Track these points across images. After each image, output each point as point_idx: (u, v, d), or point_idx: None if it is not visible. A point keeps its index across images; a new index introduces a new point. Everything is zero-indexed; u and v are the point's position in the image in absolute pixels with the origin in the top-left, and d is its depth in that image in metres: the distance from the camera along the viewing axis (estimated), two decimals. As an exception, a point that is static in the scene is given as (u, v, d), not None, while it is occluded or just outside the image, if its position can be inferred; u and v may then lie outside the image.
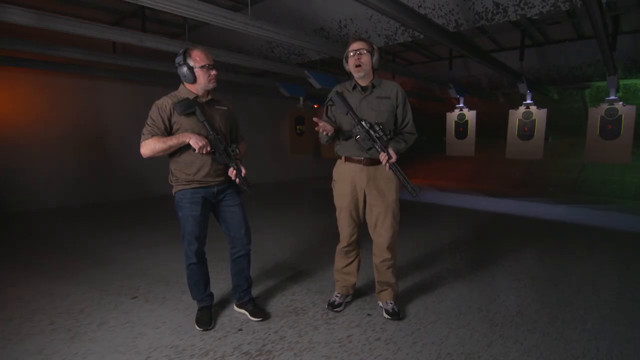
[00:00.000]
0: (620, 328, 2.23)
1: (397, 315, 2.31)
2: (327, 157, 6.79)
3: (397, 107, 2.25)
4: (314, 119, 2.21)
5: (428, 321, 2.30)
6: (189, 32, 4.69)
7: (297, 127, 7.89)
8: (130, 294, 2.67)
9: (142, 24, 4.62)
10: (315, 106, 8.02)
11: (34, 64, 4.86)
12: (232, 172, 2.07)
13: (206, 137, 2.02)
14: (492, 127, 9.05)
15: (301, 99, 7.10)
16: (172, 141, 1.98)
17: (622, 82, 6.35)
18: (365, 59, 2.16)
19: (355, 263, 2.48)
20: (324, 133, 2.19)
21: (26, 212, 5.42)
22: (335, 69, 7.80)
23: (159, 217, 5.18)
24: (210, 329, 2.19)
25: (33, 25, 2.92)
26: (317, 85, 5.43)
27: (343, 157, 2.33)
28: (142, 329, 2.19)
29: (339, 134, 2.29)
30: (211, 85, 2.08)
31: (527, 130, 6.01)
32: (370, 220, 2.33)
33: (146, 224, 4.81)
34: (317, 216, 5.26)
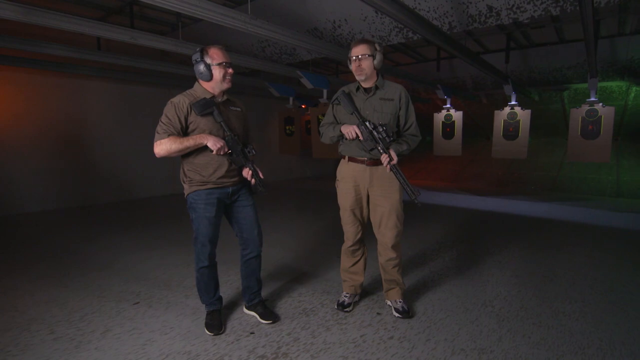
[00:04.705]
0: (619, 319, 2.33)
1: (407, 313, 2.33)
2: (318, 157, 6.78)
3: (400, 109, 2.27)
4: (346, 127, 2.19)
5: (437, 318, 2.34)
6: (178, 29, 4.59)
7: (287, 127, 7.84)
8: (131, 300, 2.58)
9: (131, 22, 4.50)
10: (303, 106, 8.00)
11: (15, 61, 4.62)
12: (247, 173, 2.05)
13: (223, 138, 1.99)
14: (475, 127, 9.32)
15: (291, 99, 7.06)
16: (189, 142, 1.93)
17: (599, 84, 6.65)
18: (366, 63, 2.17)
19: (361, 262, 2.49)
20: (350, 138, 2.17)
21: (12, 216, 5.17)
22: (324, 70, 7.82)
23: (152, 219, 5.06)
24: (221, 333, 2.14)
25: (22, 20, 2.78)
26: (309, 85, 5.41)
27: (346, 157, 2.33)
28: (150, 336, 2.13)
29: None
30: (226, 85, 2.03)
31: (512, 131, 6.20)
32: (374, 219, 2.34)
33: (139, 226, 4.67)
34: (314, 216, 5.25)
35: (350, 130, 2.15)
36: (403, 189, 2.24)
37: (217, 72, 1.99)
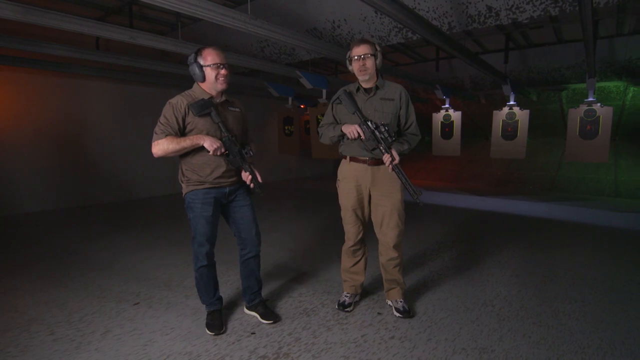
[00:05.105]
0: (619, 319, 2.34)
1: (407, 313, 2.34)
2: (317, 157, 6.78)
3: (400, 108, 2.27)
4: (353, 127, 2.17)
5: (438, 318, 2.34)
6: (178, 29, 4.59)
7: (286, 127, 7.84)
8: (131, 300, 2.58)
9: (130, 22, 4.48)
10: (302, 106, 8.00)
11: (15, 61, 4.61)
12: (247, 178, 2.06)
13: (220, 139, 1.99)
14: (473, 127, 9.33)
15: (290, 99, 7.05)
16: (186, 142, 1.94)
17: (597, 84, 6.66)
18: (370, 63, 2.16)
19: (362, 262, 2.49)
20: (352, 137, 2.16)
21: (12, 216, 5.16)
22: (323, 70, 7.81)
23: (152, 219, 5.06)
24: (222, 333, 2.14)
25: (21, 19, 2.77)
26: (308, 85, 5.41)
27: (348, 157, 2.33)
28: (151, 336, 2.12)
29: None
30: (219, 86, 2.03)
31: (510, 131, 6.20)
32: (375, 219, 2.35)
33: (139, 226, 4.67)
34: (314, 216, 5.25)
35: (352, 130, 2.14)
36: (404, 189, 2.25)
37: (209, 73, 1.99)
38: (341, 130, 2.22)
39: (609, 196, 7.15)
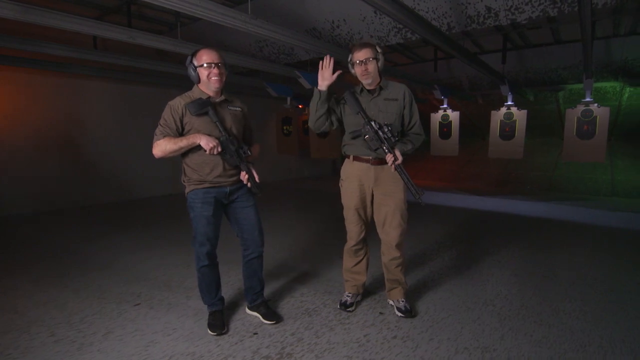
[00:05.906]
0: (618, 318, 2.35)
1: (409, 312, 2.34)
2: (316, 157, 6.78)
3: (404, 108, 2.28)
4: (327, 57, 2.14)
5: (440, 317, 2.35)
6: (176, 29, 4.58)
7: (284, 127, 7.84)
8: (132, 301, 2.57)
9: (128, 21, 4.46)
10: (300, 106, 8.00)
11: (15, 61, 4.59)
12: (244, 176, 2.07)
13: (217, 138, 2.00)
14: (471, 127, 9.36)
15: (288, 99, 7.06)
16: (183, 142, 1.96)
17: (593, 85, 6.68)
18: (372, 67, 2.17)
19: (364, 261, 2.50)
20: (324, 84, 2.13)
21: (12, 216, 5.15)
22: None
23: (152, 219, 5.06)
24: (224, 334, 2.14)
25: (19, 19, 2.76)
26: (307, 85, 5.41)
27: (351, 157, 2.34)
28: (153, 337, 2.12)
29: (337, 128, 2.33)
30: (213, 85, 2.02)
31: (508, 131, 6.24)
32: (378, 219, 2.35)
33: (139, 226, 4.67)
34: (314, 216, 5.25)
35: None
36: (407, 189, 2.25)
37: (202, 73, 2.00)
38: (321, 94, 2.18)
39: (606, 196, 7.20)
